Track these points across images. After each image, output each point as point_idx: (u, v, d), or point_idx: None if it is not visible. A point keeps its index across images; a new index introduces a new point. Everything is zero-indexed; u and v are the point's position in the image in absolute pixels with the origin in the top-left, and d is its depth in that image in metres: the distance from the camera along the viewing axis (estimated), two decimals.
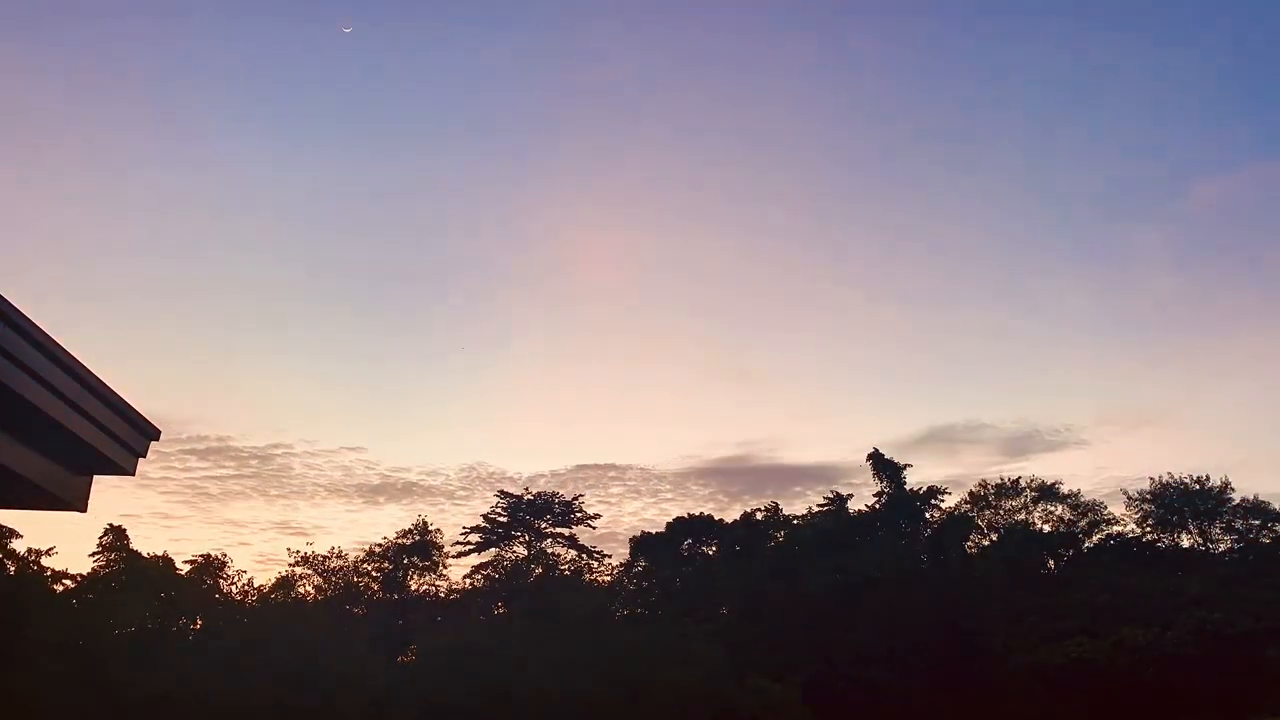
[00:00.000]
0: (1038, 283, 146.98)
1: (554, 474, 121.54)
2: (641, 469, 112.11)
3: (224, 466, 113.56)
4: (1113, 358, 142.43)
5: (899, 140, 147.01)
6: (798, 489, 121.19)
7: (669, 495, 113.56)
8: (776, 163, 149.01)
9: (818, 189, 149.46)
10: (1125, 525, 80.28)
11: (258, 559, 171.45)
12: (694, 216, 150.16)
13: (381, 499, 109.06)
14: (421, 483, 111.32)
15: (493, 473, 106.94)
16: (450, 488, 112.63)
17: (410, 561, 73.58)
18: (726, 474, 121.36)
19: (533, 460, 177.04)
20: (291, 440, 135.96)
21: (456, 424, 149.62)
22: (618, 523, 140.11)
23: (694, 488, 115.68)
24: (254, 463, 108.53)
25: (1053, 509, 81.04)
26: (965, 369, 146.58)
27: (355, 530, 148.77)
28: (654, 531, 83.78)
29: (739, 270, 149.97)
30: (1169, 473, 79.47)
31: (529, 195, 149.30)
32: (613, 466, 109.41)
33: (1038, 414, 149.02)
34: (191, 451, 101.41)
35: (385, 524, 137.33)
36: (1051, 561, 79.89)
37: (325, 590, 70.06)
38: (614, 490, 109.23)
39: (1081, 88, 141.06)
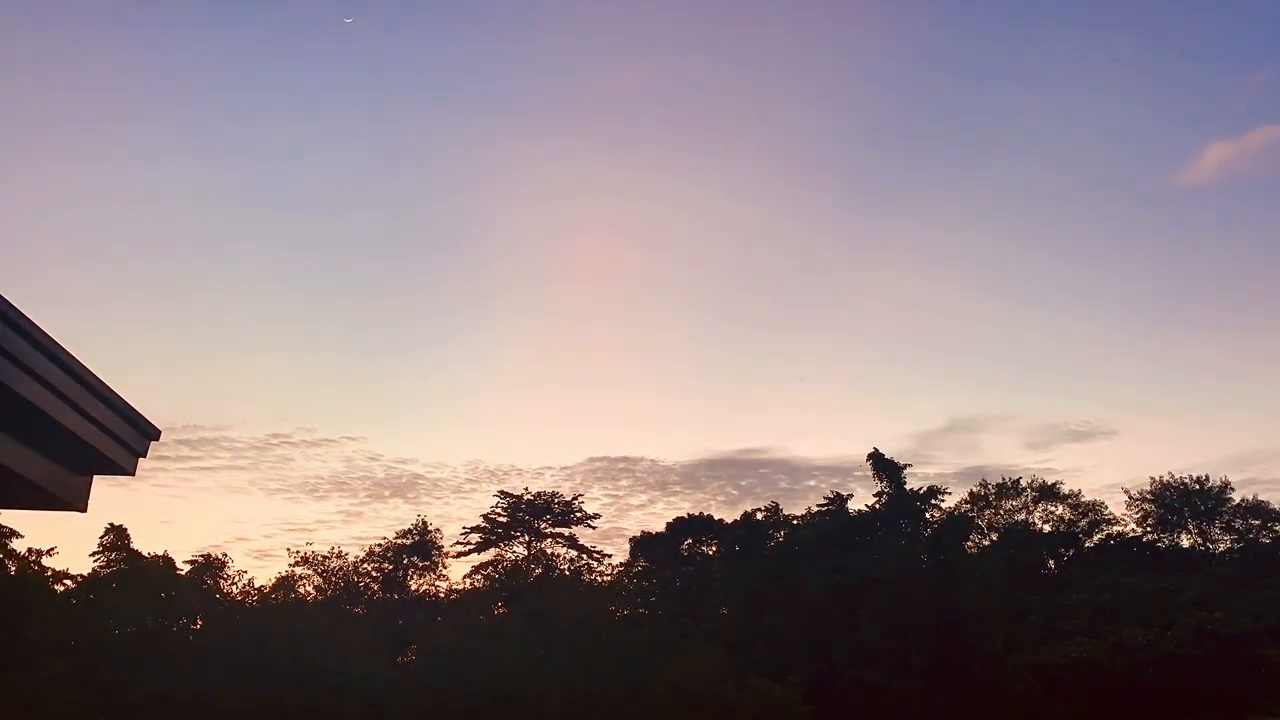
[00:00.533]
0: (1066, 271, 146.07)
1: (564, 468, 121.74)
2: (652, 461, 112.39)
3: (218, 457, 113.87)
4: (1139, 348, 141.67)
5: (920, 129, 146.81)
6: (811, 483, 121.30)
7: (678, 488, 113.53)
8: (795, 154, 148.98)
9: (844, 177, 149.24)
10: (1125, 525, 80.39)
11: (256, 554, 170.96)
12: (714, 209, 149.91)
13: (386, 492, 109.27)
14: (427, 475, 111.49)
15: (500, 465, 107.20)
16: (456, 480, 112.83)
17: (410, 561, 73.61)
18: (739, 466, 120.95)
19: (541, 455, 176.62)
20: (289, 430, 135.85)
21: (463, 417, 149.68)
22: (626, 516, 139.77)
23: (705, 481, 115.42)
24: (251, 453, 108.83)
25: (1053, 509, 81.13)
26: (989, 360, 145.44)
27: (360, 524, 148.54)
28: (654, 531, 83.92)
29: (758, 257, 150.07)
30: (1169, 472, 79.69)
31: (537, 189, 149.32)
32: (624, 459, 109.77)
33: (1063, 404, 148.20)
34: (185, 441, 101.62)
35: (390, 517, 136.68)
36: (1051, 561, 79.90)
37: (325, 590, 70.09)
38: (623, 483, 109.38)
39: (1086, 74, 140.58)
